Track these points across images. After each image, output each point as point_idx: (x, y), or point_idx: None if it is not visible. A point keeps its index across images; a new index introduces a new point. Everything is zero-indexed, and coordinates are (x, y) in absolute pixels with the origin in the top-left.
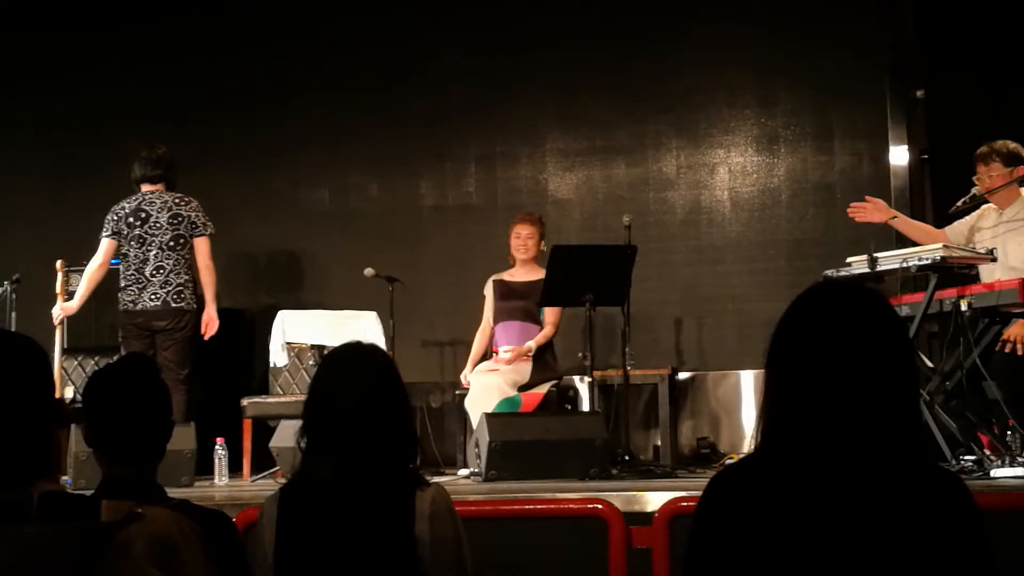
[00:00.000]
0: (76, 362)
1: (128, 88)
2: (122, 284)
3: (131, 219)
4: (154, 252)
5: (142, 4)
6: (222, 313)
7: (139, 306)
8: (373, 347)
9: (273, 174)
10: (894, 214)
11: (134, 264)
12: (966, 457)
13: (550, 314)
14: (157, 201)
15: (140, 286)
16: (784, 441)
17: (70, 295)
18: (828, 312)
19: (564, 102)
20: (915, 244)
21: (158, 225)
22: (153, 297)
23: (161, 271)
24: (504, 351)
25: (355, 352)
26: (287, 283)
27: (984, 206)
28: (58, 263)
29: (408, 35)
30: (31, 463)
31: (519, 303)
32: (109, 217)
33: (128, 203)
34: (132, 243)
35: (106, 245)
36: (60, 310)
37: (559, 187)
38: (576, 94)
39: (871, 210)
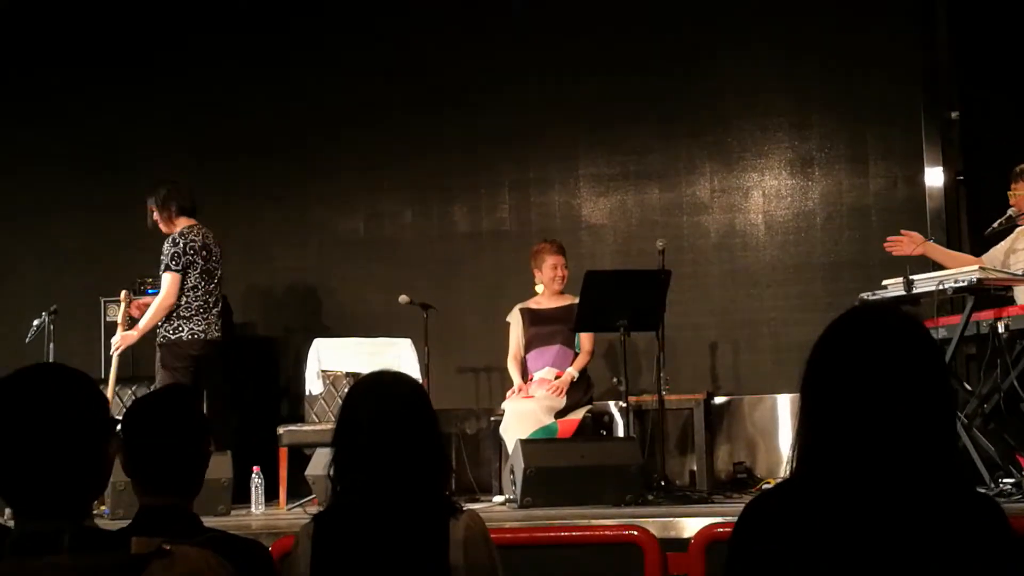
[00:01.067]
0: (115, 392)
1: (163, 117)
2: (186, 314)
3: (204, 252)
4: (215, 285)
5: (174, 32)
6: (260, 341)
7: (209, 336)
8: (400, 374)
9: (308, 202)
10: (928, 240)
11: (202, 296)
12: (1005, 480)
13: (586, 340)
14: (211, 235)
15: (205, 317)
16: (819, 466)
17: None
18: (862, 336)
19: (597, 127)
20: None
21: (218, 259)
22: (219, 328)
23: (219, 303)
24: (543, 376)
25: (382, 379)
26: (322, 311)
27: (1019, 228)
28: (122, 293)
29: (441, 62)
30: (74, 499)
31: (553, 328)
32: (180, 250)
33: (195, 236)
34: (202, 276)
35: (179, 279)
36: (121, 339)
37: (592, 212)
38: (609, 119)
39: (907, 243)
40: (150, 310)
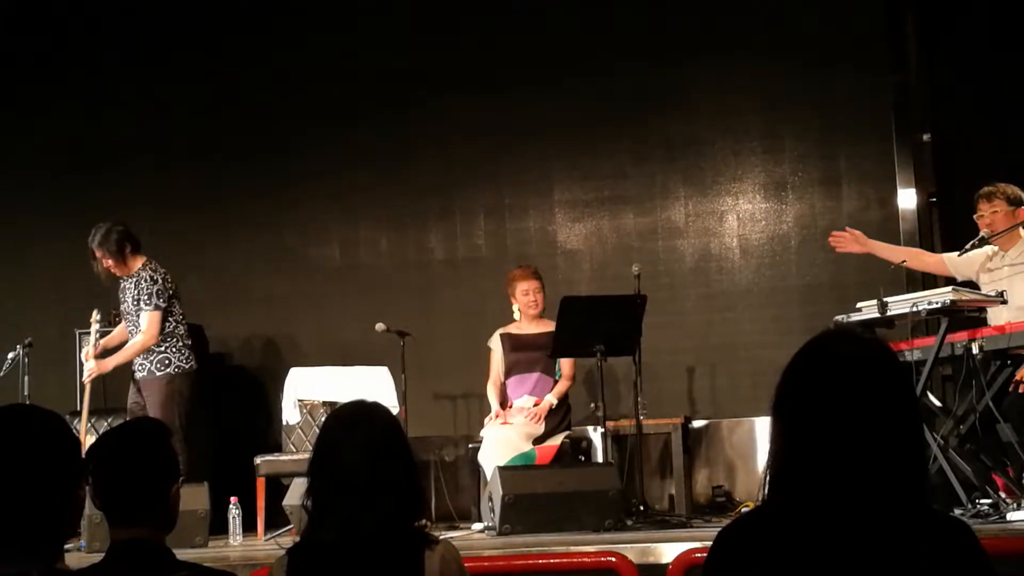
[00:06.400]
0: (90, 424)
1: (134, 150)
2: (189, 343)
3: (173, 283)
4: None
5: (151, 57)
6: (236, 370)
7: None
8: (375, 404)
9: (283, 230)
10: (869, 242)
11: (185, 327)
12: (982, 501)
13: (566, 366)
14: None
15: (192, 345)
16: (789, 492)
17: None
18: (829, 361)
19: (572, 153)
20: (926, 286)
21: None
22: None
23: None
24: (521, 404)
25: (356, 410)
26: (299, 339)
27: (994, 248)
28: (95, 314)
29: (415, 88)
30: (43, 542)
31: (533, 355)
32: (161, 287)
33: (162, 269)
34: (180, 309)
35: (161, 316)
36: (96, 366)
37: (568, 238)
38: (584, 144)
39: (850, 241)
40: (130, 347)
